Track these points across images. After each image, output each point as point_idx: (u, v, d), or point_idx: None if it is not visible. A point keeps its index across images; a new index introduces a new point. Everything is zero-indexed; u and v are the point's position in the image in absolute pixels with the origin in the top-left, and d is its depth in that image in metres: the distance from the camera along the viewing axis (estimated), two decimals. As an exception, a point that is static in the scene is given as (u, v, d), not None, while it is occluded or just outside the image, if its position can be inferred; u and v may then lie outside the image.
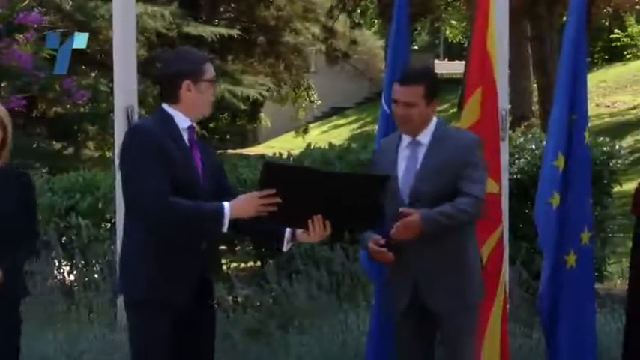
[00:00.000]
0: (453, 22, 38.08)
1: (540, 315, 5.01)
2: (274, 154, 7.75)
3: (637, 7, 25.33)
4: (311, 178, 3.85)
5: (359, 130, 30.30)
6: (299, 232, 3.91)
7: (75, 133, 15.51)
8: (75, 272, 7.27)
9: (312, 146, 7.73)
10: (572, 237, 4.87)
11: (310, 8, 23.24)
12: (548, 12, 19.14)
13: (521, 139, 7.53)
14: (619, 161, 7.49)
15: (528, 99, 22.27)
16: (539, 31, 19.41)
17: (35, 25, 10.02)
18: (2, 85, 10.71)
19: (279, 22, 22.80)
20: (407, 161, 4.30)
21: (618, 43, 30.25)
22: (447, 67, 40.41)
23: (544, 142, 6.66)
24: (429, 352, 4.45)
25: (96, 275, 6.96)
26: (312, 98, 30.20)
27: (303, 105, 30.42)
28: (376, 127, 5.98)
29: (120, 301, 5.29)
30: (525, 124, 20.66)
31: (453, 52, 45.70)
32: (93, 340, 6.05)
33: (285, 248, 4.01)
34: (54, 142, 15.38)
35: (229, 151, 26.03)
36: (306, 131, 28.73)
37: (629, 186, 6.89)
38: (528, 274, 6.51)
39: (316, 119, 33.78)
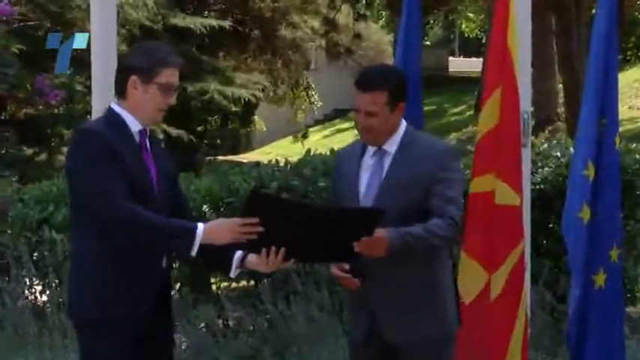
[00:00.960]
0: (470, 15, 38.20)
1: (568, 341, 5.00)
2: (270, 160, 7.73)
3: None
4: (299, 212, 3.86)
5: (364, 135, 30.28)
6: (250, 258, 3.92)
7: (48, 137, 15.53)
8: (48, 292, 7.27)
9: (312, 152, 7.71)
10: (601, 254, 4.87)
11: (310, -2, 23.36)
12: (575, 4, 19.16)
13: (545, 146, 7.53)
14: (654, 170, 7.49)
15: (553, 100, 22.33)
16: (565, 25, 19.43)
17: (4, 18, 10.04)
18: (-34, 83, 10.74)
19: (276, 13, 22.86)
20: (371, 172, 4.22)
21: (654, 39, 30.37)
22: (462, 65, 40.64)
23: (570, 149, 6.69)
24: None
25: (71, 296, 6.97)
26: (312, 99, 30.27)
27: (302, 106, 30.48)
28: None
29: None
30: (550, 128, 20.73)
31: (470, 48, 45.86)
32: (67, 367, 6.08)
33: (232, 274, 4.01)
34: (25, 148, 15.40)
35: (220, 157, 26.08)
36: (305, 136, 28.67)
37: (666, 198, 6.90)
38: (552, 295, 6.51)
39: (317, 122, 33.87)
